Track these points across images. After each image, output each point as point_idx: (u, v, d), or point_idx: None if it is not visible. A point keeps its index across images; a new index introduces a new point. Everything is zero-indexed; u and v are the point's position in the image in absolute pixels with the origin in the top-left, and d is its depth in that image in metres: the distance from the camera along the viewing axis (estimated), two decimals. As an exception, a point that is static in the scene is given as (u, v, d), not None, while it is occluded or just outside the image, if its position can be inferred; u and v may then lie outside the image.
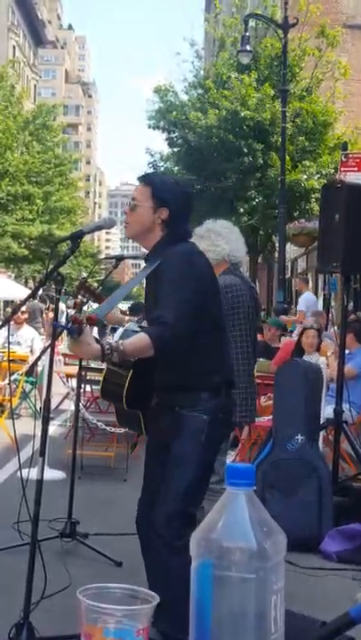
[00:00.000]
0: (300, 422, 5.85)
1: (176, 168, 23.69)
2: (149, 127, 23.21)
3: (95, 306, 3.90)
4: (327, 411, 6.81)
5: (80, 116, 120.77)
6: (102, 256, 49.26)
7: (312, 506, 5.61)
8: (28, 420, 9.38)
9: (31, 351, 10.96)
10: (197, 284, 3.40)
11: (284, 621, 1.63)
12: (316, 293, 22.96)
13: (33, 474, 3.69)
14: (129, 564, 4.61)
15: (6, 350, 8.22)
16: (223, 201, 21.72)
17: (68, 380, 9.78)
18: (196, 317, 3.33)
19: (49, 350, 3.89)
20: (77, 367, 6.11)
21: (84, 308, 3.69)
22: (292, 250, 24.59)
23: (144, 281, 3.70)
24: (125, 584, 1.79)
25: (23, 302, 4.77)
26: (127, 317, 3.87)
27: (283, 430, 5.89)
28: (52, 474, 6.47)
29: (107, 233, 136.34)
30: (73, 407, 7.41)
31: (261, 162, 21.03)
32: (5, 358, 9.19)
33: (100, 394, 3.86)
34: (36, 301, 19.94)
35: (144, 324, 3.67)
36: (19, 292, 26.48)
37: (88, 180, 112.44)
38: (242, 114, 20.69)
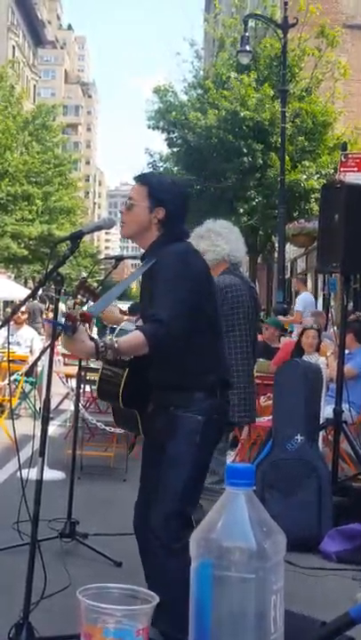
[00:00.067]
0: (300, 422, 5.85)
1: (176, 168, 23.70)
2: (149, 127, 23.22)
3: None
4: (327, 411, 6.81)
5: (80, 116, 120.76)
6: (102, 256, 49.33)
7: (312, 506, 5.61)
8: (28, 421, 9.37)
9: (31, 351, 10.95)
10: (193, 284, 3.40)
11: (284, 621, 1.63)
12: (315, 293, 22.97)
13: (33, 474, 3.69)
14: (129, 564, 4.60)
15: (6, 350, 8.22)
16: (223, 201, 21.73)
17: (67, 381, 9.78)
18: (191, 317, 3.33)
19: (49, 350, 3.89)
20: (77, 367, 6.11)
21: (84, 308, 3.69)
22: (291, 250, 24.60)
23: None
24: (125, 584, 1.79)
25: (23, 302, 4.76)
26: (126, 317, 3.86)
27: (282, 430, 5.89)
28: (51, 474, 6.47)
29: (106, 233, 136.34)
30: (72, 407, 7.41)
31: (261, 162, 21.04)
32: (5, 358, 9.19)
33: (97, 393, 3.86)
34: (35, 301, 19.95)
35: (140, 323, 3.66)
36: (18, 292, 26.50)
37: (88, 180, 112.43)
38: (241, 114, 20.70)
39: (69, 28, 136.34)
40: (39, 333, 13.31)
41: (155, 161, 24.74)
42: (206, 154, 21.67)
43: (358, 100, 24.35)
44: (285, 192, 18.32)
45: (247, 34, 19.47)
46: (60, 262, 3.61)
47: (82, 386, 6.28)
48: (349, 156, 14.70)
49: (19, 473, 3.93)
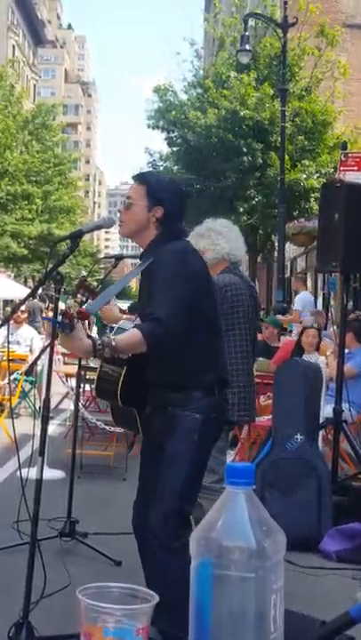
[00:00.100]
0: (300, 422, 5.85)
1: (175, 167, 23.68)
2: (149, 127, 23.19)
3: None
4: (327, 410, 6.81)
5: (79, 115, 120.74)
6: (102, 255, 49.27)
7: (311, 505, 5.61)
8: (28, 420, 9.37)
9: (30, 350, 10.96)
10: (191, 283, 3.40)
11: (284, 621, 1.62)
12: (315, 293, 22.96)
13: (32, 473, 3.69)
14: (128, 563, 4.60)
15: (6, 349, 8.22)
16: (223, 200, 21.72)
17: (67, 380, 9.78)
18: (189, 316, 3.33)
19: (48, 349, 3.89)
20: (77, 366, 6.11)
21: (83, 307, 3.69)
22: (291, 249, 24.59)
23: None
24: (125, 583, 1.79)
25: (22, 302, 4.76)
26: (125, 316, 3.86)
27: (282, 430, 5.90)
28: (51, 473, 6.47)
29: (106, 232, 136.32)
30: (72, 406, 7.41)
31: (261, 161, 21.02)
32: (5, 357, 9.19)
33: (95, 392, 3.86)
34: (35, 300, 19.95)
35: (138, 321, 3.66)
36: (18, 291, 26.49)
37: (87, 179, 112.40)
38: (241, 113, 20.68)
39: (69, 27, 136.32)
40: (39, 332, 13.31)
41: (155, 160, 24.72)
42: (206, 153, 21.65)
43: (358, 99, 24.33)
44: (285, 191, 18.31)
45: (247, 33, 19.46)
46: (60, 261, 3.61)
47: (82, 385, 6.28)
48: (349, 155, 14.68)
49: (18, 472, 3.93)
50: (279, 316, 13.93)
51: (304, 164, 20.63)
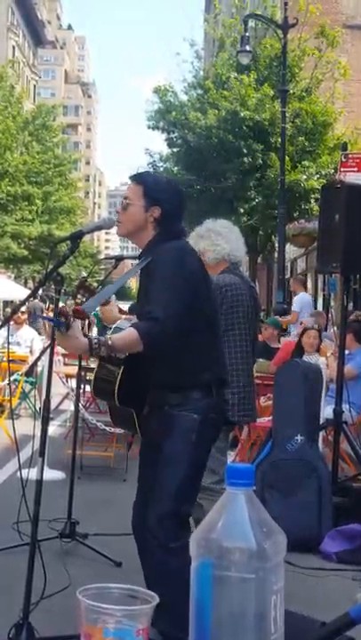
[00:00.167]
0: (300, 423, 5.85)
1: (176, 168, 23.69)
2: (149, 127, 23.20)
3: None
4: (327, 411, 6.81)
5: (79, 116, 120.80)
6: (102, 256, 49.36)
7: (312, 506, 5.61)
8: (28, 421, 9.38)
9: (31, 351, 10.96)
10: (190, 283, 3.40)
11: (284, 622, 1.62)
12: (315, 294, 22.98)
13: (32, 474, 3.69)
14: (128, 564, 4.60)
15: (6, 350, 8.22)
16: (223, 201, 21.73)
17: (67, 381, 9.78)
18: (188, 316, 3.33)
19: (49, 350, 3.89)
20: (77, 367, 6.11)
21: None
22: (291, 250, 24.59)
23: None
24: (125, 584, 1.79)
25: (23, 302, 4.77)
26: (125, 316, 3.87)
27: (282, 430, 5.89)
28: (51, 474, 6.47)
29: (106, 233, 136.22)
30: (72, 407, 7.42)
31: (261, 162, 21.03)
32: (5, 358, 9.19)
33: (92, 391, 3.86)
34: (36, 301, 19.97)
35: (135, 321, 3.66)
36: (18, 292, 26.50)
37: (88, 180, 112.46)
38: (241, 114, 20.69)
39: (69, 27, 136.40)
40: (39, 333, 13.31)
41: (155, 161, 24.74)
42: (206, 154, 21.66)
43: (358, 100, 24.34)
44: (285, 192, 18.31)
45: (247, 34, 19.46)
46: (60, 262, 3.61)
47: (82, 386, 6.28)
48: (350, 156, 14.70)
49: (19, 473, 3.93)
50: (278, 318, 13.93)
51: (304, 165, 20.63)
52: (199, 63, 25.33)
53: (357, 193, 6.42)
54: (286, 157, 18.77)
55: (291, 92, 20.02)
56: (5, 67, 40.04)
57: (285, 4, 18.72)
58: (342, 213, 6.30)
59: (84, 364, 6.14)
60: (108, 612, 1.65)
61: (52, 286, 3.73)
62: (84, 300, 3.68)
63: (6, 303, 31.47)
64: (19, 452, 3.98)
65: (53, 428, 9.43)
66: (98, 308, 3.95)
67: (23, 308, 11.59)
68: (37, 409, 9.51)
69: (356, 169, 14.00)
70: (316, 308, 18.92)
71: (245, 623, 1.56)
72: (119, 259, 4.45)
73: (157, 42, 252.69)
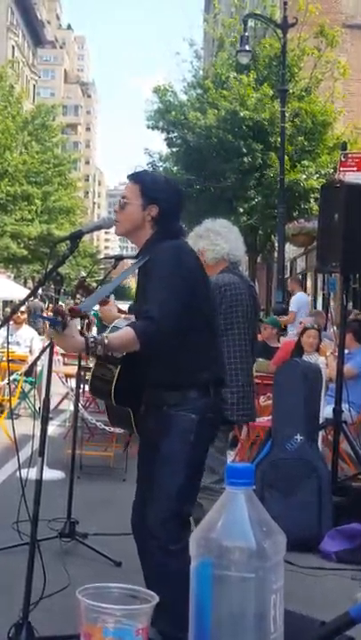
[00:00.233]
0: (300, 422, 5.85)
1: (175, 168, 23.67)
2: (148, 127, 23.18)
3: (95, 307, 3.91)
4: (326, 411, 6.81)
5: (79, 116, 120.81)
6: (101, 256, 49.30)
7: (311, 506, 5.61)
8: (28, 420, 9.38)
9: (30, 351, 10.96)
10: (187, 282, 3.40)
11: (284, 621, 1.62)
12: (315, 293, 22.98)
13: (32, 474, 3.69)
14: (128, 563, 4.60)
15: (5, 350, 8.22)
16: (222, 201, 21.72)
17: (67, 380, 9.78)
18: (186, 315, 3.32)
19: (48, 350, 3.89)
20: (76, 367, 6.11)
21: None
22: (291, 250, 24.59)
23: None
24: (125, 584, 1.79)
25: (22, 302, 4.77)
26: (123, 316, 3.87)
27: (282, 430, 5.90)
28: (51, 474, 6.47)
29: (106, 233, 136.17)
30: (72, 407, 7.42)
31: (260, 162, 21.02)
32: (5, 358, 9.19)
33: (89, 390, 3.86)
34: (36, 300, 19.98)
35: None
36: (18, 292, 26.50)
37: (87, 180, 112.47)
38: (241, 114, 20.67)
39: (69, 27, 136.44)
40: (39, 333, 13.32)
41: (154, 161, 24.72)
42: (206, 154, 21.65)
43: (358, 99, 24.33)
44: (285, 192, 18.31)
45: (247, 34, 19.46)
46: (60, 262, 3.61)
47: (81, 386, 6.28)
48: (349, 155, 14.70)
49: (18, 473, 3.93)
50: (277, 317, 13.93)
51: (304, 165, 20.62)
52: (199, 63, 25.32)
53: (357, 192, 6.42)
54: (286, 157, 18.77)
55: (290, 91, 20.01)
56: (5, 67, 40.05)
57: (285, 3, 18.71)
58: (342, 213, 6.30)
59: (83, 363, 6.14)
60: (108, 612, 1.65)
61: (52, 286, 3.73)
62: (83, 299, 3.68)
63: (6, 303, 31.48)
64: (18, 452, 3.98)
65: (53, 428, 9.44)
66: (97, 308, 3.96)
67: (23, 308, 11.59)
68: (37, 409, 9.52)
69: (355, 168, 14.00)
70: (315, 308, 18.92)
71: (245, 622, 1.56)
72: (118, 258, 4.46)
73: (157, 42, 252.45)
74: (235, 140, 20.88)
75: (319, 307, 20.62)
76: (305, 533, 5.36)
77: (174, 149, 23.80)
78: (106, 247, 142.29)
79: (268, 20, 20.25)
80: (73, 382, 8.16)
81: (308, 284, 23.79)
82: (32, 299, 11.45)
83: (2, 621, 3.55)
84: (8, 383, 8.40)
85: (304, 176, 20.35)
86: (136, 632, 1.67)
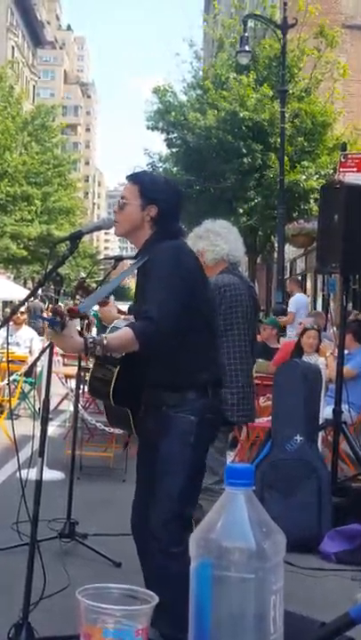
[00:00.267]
0: (300, 423, 5.85)
1: (175, 169, 23.66)
2: (148, 128, 23.18)
3: (95, 307, 3.91)
4: (326, 411, 6.81)
5: (79, 116, 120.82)
6: (101, 257, 49.31)
7: (311, 506, 5.61)
8: (27, 421, 9.37)
9: (30, 352, 10.96)
10: (186, 282, 3.40)
11: (284, 622, 1.62)
12: (315, 294, 22.98)
13: (32, 474, 3.69)
14: (128, 564, 4.60)
15: (5, 351, 8.22)
16: (222, 201, 21.72)
17: (66, 381, 9.78)
18: (186, 315, 3.32)
19: (48, 351, 3.89)
20: (76, 368, 6.11)
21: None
22: (291, 250, 24.59)
23: None
24: (124, 584, 1.79)
25: (22, 303, 4.77)
26: (123, 317, 3.87)
27: (282, 431, 5.90)
28: (51, 474, 6.47)
29: (105, 233, 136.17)
30: (72, 408, 7.41)
31: (260, 162, 21.02)
32: (4, 359, 9.19)
33: (88, 390, 3.86)
34: (37, 301, 19.98)
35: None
36: (17, 292, 26.51)
37: (87, 180, 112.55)
38: (241, 114, 20.67)
39: (69, 28, 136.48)
40: (39, 334, 13.31)
41: (154, 162, 24.72)
42: (206, 154, 21.65)
43: (358, 100, 24.34)
44: (285, 192, 18.31)
45: (246, 34, 19.45)
46: (60, 263, 3.61)
47: (81, 386, 6.28)
48: (349, 156, 14.69)
49: (18, 473, 3.93)
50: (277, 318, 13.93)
51: (304, 166, 20.62)
52: (198, 63, 25.32)
53: (357, 193, 6.43)
54: (285, 158, 18.76)
55: (290, 92, 20.00)
56: (5, 67, 40.04)
57: (285, 4, 18.71)
58: (341, 213, 6.30)
59: (83, 364, 6.14)
60: (108, 613, 1.65)
61: (52, 286, 3.74)
62: (83, 300, 3.69)
63: (5, 303, 31.49)
64: (18, 453, 3.98)
65: (53, 429, 9.44)
66: (96, 308, 3.96)
67: (23, 309, 11.59)
68: (37, 409, 9.53)
69: (355, 169, 14.00)
70: (315, 309, 18.92)
71: (245, 623, 1.56)
72: (118, 259, 4.46)
73: (157, 42, 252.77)
74: (234, 140, 20.88)
75: (319, 307, 20.62)
76: (305, 534, 5.36)
77: (174, 150, 23.80)
78: (105, 248, 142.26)
79: (267, 20, 20.25)
80: (73, 383, 8.16)
81: (308, 284, 23.79)
82: (32, 299, 11.46)
83: (2, 622, 3.55)
84: (8, 384, 8.40)
85: (304, 177, 20.34)
86: (136, 633, 1.66)
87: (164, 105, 22.86)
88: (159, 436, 3.44)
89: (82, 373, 6.14)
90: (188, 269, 3.46)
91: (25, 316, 12.13)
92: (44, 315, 4.11)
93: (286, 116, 18.96)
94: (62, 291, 3.89)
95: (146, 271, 3.46)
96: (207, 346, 3.56)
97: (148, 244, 3.55)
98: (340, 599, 4.46)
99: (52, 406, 5.59)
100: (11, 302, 27.33)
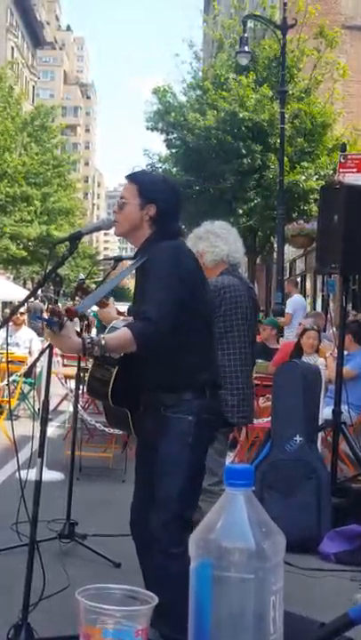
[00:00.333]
0: (299, 423, 5.85)
1: (175, 169, 23.67)
2: (148, 128, 23.20)
3: (94, 308, 3.91)
4: (326, 412, 6.81)
5: (78, 117, 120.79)
6: (101, 257, 49.38)
7: (311, 507, 5.61)
8: (27, 422, 9.38)
9: (29, 352, 10.96)
10: (185, 283, 3.39)
11: (283, 622, 1.62)
12: (314, 295, 22.97)
13: (32, 475, 3.69)
14: (128, 564, 4.60)
15: (5, 351, 8.22)
16: (222, 202, 21.73)
17: (66, 382, 9.78)
18: (185, 315, 3.32)
19: (47, 351, 3.89)
20: (76, 368, 6.11)
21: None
22: (290, 251, 24.59)
23: None
24: (124, 585, 1.79)
25: (22, 303, 4.77)
26: (122, 317, 3.88)
27: (281, 431, 5.90)
28: (50, 475, 6.47)
29: (105, 234, 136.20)
30: (71, 408, 7.42)
31: (260, 163, 21.03)
32: (4, 359, 9.19)
33: (87, 391, 3.86)
34: (37, 302, 19.97)
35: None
36: (17, 293, 26.51)
37: (87, 181, 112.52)
38: (240, 115, 20.68)
39: (68, 28, 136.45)
40: (39, 334, 13.31)
41: (154, 162, 24.73)
42: (205, 155, 21.66)
43: (357, 100, 24.35)
44: (284, 193, 18.32)
45: (246, 35, 19.47)
46: (59, 263, 3.61)
47: (81, 387, 6.29)
48: (348, 156, 14.70)
49: (18, 474, 3.93)
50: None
51: (303, 166, 20.64)
52: (198, 64, 25.33)
53: (356, 194, 6.42)
54: (285, 158, 18.77)
55: (290, 92, 20.02)
56: (4, 68, 40.03)
57: (284, 4, 18.73)
58: (341, 214, 6.30)
59: (83, 365, 6.15)
60: (108, 613, 1.65)
61: (51, 287, 3.74)
62: (82, 301, 3.69)
63: (5, 304, 31.50)
64: (17, 453, 3.99)
65: (52, 429, 9.44)
66: (96, 309, 3.96)
67: (22, 309, 11.59)
68: (36, 410, 9.53)
69: (355, 170, 14.00)
70: (315, 309, 18.91)
71: (244, 623, 1.56)
72: (118, 259, 4.46)
73: (157, 42, 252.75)
74: (234, 141, 20.90)
75: (318, 308, 20.61)
76: (304, 534, 5.36)
77: (174, 150, 23.82)
78: (105, 248, 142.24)
79: (267, 21, 20.26)
80: (72, 383, 8.16)
81: (308, 285, 23.80)
82: (31, 300, 11.45)
83: (1, 622, 3.55)
84: (7, 384, 8.41)
85: (303, 177, 20.36)
86: (136, 633, 1.66)
87: (163, 105, 22.87)
88: (158, 436, 3.44)
89: (81, 374, 6.15)
90: (187, 270, 3.45)
91: (24, 317, 12.12)
92: (43, 315, 4.11)
93: (286, 116, 18.97)
94: (62, 291, 3.89)
95: (145, 271, 3.46)
96: (206, 346, 3.56)
97: (147, 244, 3.55)
98: (339, 599, 4.46)
99: (51, 407, 5.59)
100: (10, 303, 27.36)
